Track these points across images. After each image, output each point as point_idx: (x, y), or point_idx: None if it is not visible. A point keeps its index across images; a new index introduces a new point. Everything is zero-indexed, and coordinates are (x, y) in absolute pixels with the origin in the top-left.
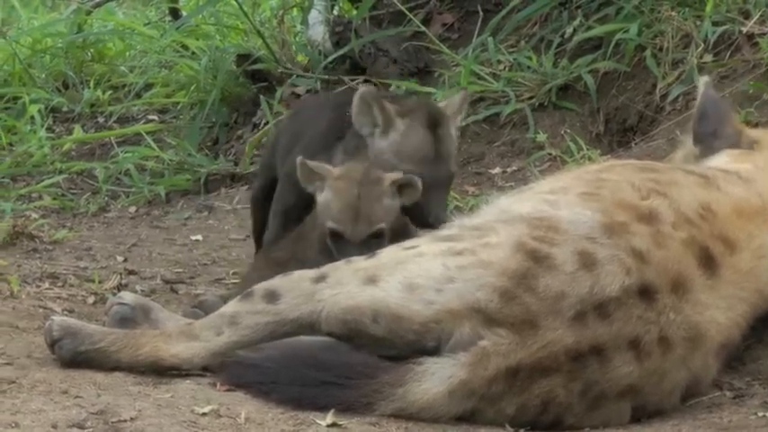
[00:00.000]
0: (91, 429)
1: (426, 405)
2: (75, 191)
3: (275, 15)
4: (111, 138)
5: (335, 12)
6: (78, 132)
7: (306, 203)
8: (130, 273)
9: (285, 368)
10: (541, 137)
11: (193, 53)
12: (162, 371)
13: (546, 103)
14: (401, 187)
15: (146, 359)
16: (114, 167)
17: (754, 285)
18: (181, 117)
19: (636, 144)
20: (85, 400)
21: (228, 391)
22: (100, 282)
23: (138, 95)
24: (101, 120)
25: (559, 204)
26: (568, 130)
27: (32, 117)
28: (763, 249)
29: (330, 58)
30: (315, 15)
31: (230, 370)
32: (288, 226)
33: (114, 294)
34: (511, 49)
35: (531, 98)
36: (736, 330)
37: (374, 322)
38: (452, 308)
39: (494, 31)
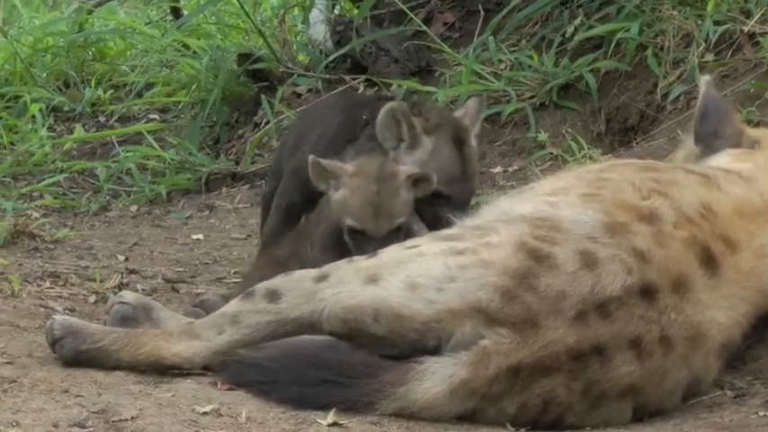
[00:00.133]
0: (92, 428)
1: (427, 404)
2: (76, 190)
3: (276, 15)
4: (113, 137)
5: (336, 11)
6: (79, 131)
7: (309, 201)
8: (131, 272)
9: (286, 367)
10: (542, 136)
11: (194, 52)
12: (163, 370)
13: (547, 103)
14: (415, 181)
15: (147, 358)
16: (115, 167)
17: (755, 285)
18: (182, 116)
19: (637, 143)
20: (86, 400)
21: (229, 390)
22: (101, 281)
23: (140, 95)
24: (102, 119)
25: (560, 205)
26: (569, 130)
27: (33, 116)
28: (765, 249)
29: (331, 58)
30: (316, 14)
31: (231, 369)
32: (288, 222)
33: (115, 293)
34: (512, 49)
35: (532, 97)
36: (737, 330)
37: (375, 321)
38: (453, 307)
39: (495, 31)
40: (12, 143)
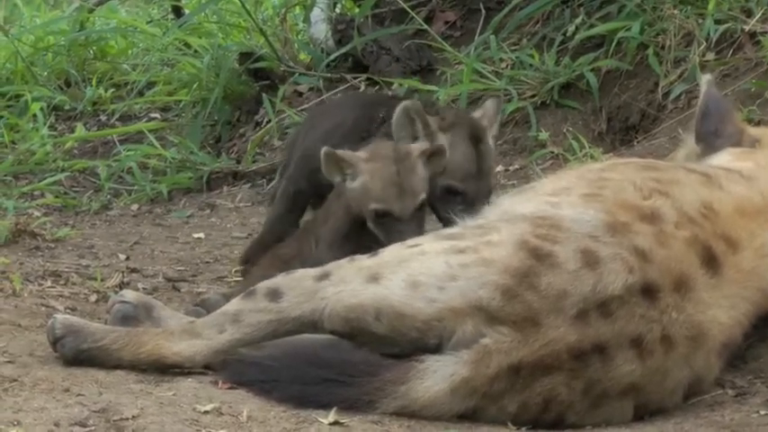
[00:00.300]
0: (93, 427)
1: (428, 403)
2: (77, 189)
3: (278, 13)
4: (114, 136)
5: (338, 10)
6: (80, 130)
7: (315, 193)
8: (132, 271)
9: (287, 366)
10: (543, 135)
11: (196, 51)
12: (164, 369)
13: (548, 102)
14: (430, 156)
15: (148, 357)
16: (116, 165)
17: (756, 284)
18: (183, 115)
19: (638, 142)
20: (87, 399)
21: (230, 389)
22: (102, 280)
23: (141, 93)
24: (103, 118)
25: (562, 204)
26: (570, 129)
27: (35, 115)
28: (766, 248)
29: (332, 57)
30: (317, 13)
31: (232, 368)
32: (294, 210)
33: (116, 292)
34: (513, 48)
35: (533, 96)
36: (738, 329)
37: (377, 320)
38: (455, 306)
39: (496, 30)
40: (13, 142)
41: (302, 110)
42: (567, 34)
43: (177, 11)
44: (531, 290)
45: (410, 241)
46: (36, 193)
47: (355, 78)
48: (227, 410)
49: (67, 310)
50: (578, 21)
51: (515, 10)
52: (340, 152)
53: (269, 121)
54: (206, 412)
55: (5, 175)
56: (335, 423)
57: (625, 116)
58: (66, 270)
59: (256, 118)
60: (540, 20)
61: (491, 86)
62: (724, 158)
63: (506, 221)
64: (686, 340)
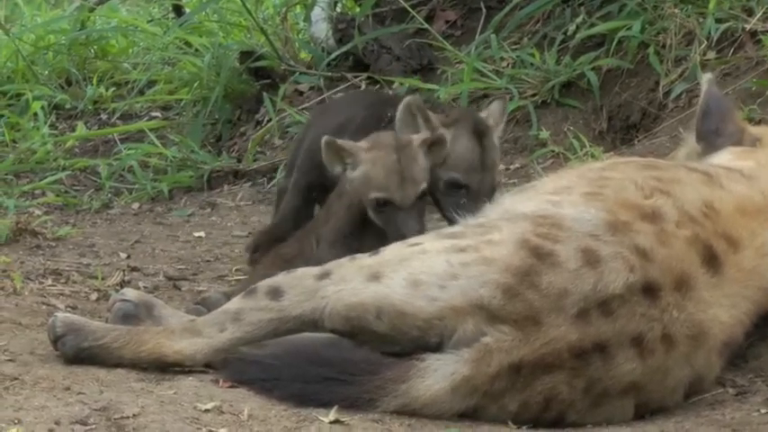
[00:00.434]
0: (93, 426)
1: (429, 401)
2: (78, 188)
3: (278, 12)
4: (114, 135)
5: (338, 9)
6: (81, 129)
7: (324, 188)
8: (133, 269)
9: (288, 365)
10: (544, 134)
11: (196, 50)
12: (165, 367)
13: (549, 101)
14: (430, 145)
15: (149, 356)
16: (117, 164)
17: (757, 283)
18: (184, 114)
19: (639, 141)
20: (88, 397)
21: (231, 387)
22: (103, 278)
23: (141, 92)
24: (104, 117)
25: (563, 203)
26: (571, 128)
27: (35, 114)
28: (766, 247)
29: (333, 56)
30: (318, 12)
31: (233, 367)
32: (307, 202)
33: (117, 291)
34: (514, 47)
35: (533, 95)
36: (739, 328)
37: (377, 319)
38: (456, 304)
39: (497, 29)
40: (14, 141)
41: (303, 109)
42: (568, 33)
43: (178, 10)
44: (532, 289)
45: (411, 240)
46: (37, 191)
47: (356, 77)
48: (228, 409)
49: (68, 309)
50: (579, 20)
51: (516, 9)
52: (340, 141)
53: (270, 120)
54: (207, 411)
55: (6, 174)
56: (336, 421)
57: (626, 115)
58: (67, 268)
59: (257, 117)
60: (541, 19)
61: (492, 85)
62: (725, 157)
63: (507, 220)
64: (687, 339)
